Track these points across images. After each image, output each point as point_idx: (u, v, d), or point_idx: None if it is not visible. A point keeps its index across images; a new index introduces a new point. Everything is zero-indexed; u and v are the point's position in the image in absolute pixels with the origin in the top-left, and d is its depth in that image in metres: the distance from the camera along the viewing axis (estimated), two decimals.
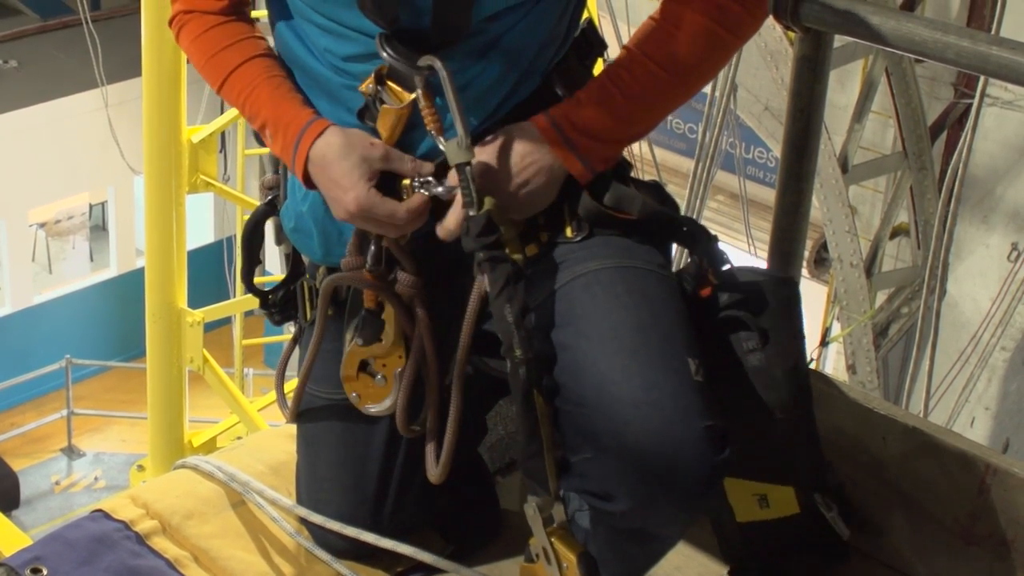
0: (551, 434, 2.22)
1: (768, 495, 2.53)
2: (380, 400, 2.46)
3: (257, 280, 2.74)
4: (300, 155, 2.30)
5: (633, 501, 2.19)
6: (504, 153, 2.25)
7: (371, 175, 2.25)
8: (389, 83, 2.26)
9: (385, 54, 2.22)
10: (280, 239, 2.60)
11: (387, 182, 2.27)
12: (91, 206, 17.01)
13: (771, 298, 2.39)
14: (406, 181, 2.27)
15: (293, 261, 2.64)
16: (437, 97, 2.23)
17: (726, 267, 2.38)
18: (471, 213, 2.20)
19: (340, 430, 2.59)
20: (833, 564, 2.64)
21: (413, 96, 2.24)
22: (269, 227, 2.66)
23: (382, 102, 2.27)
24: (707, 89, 8.49)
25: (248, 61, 2.41)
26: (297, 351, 2.67)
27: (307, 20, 2.34)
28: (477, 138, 2.26)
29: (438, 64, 2.18)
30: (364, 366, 2.45)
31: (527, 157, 2.26)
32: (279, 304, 2.67)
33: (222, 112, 11.11)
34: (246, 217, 12.11)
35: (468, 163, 2.19)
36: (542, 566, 2.35)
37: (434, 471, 2.39)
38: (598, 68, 2.40)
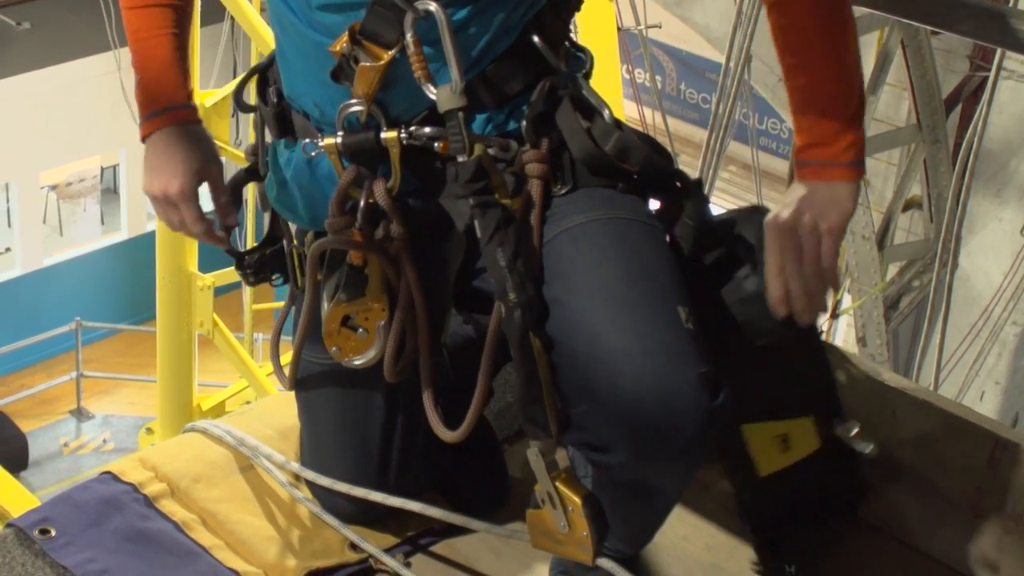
0: (549, 377, 2.22)
1: (789, 434, 2.53)
2: (363, 351, 2.44)
3: None
4: (159, 121, 2.50)
5: (629, 451, 2.20)
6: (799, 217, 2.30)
7: (201, 178, 2.49)
8: (364, 42, 2.25)
9: None
10: (266, 205, 2.60)
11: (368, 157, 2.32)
12: (102, 169, 17.00)
13: (748, 228, 2.39)
14: (391, 134, 2.28)
15: (271, 225, 2.64)
16: (425, 46, 2.23)
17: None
18: (460, 159, 2.23)
19: (339, 395, 2.58)
20: (852, 508, 2.66)
21: (392, 52, 2.23)
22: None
23: (357, 61, 2.26)
24: (721, 59, 8.46)
25: (159, 7, 2.50)
26: (291, 319, 2.67)
27: None
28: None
29: (434, 6, 2.18)
30: (345, 320, 2.44)
31: (810, 207, 2.29)
32: (254, 266, 2.67)
33: (234, 76, 11.09)
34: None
35: (460, 109, 2.22)
36: (548, 511, 2.35)
37: (442, 429, 2.39)
38: (587, 26, 2.41)
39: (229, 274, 7.93)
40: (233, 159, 7.66)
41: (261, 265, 2.66)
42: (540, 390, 2.23)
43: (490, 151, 2.28)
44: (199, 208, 2.48)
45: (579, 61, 2.42)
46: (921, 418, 2.68)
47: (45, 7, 14.34)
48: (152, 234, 7.18)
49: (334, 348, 2.45)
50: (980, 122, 7.82)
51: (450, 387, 2.51)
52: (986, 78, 8.25)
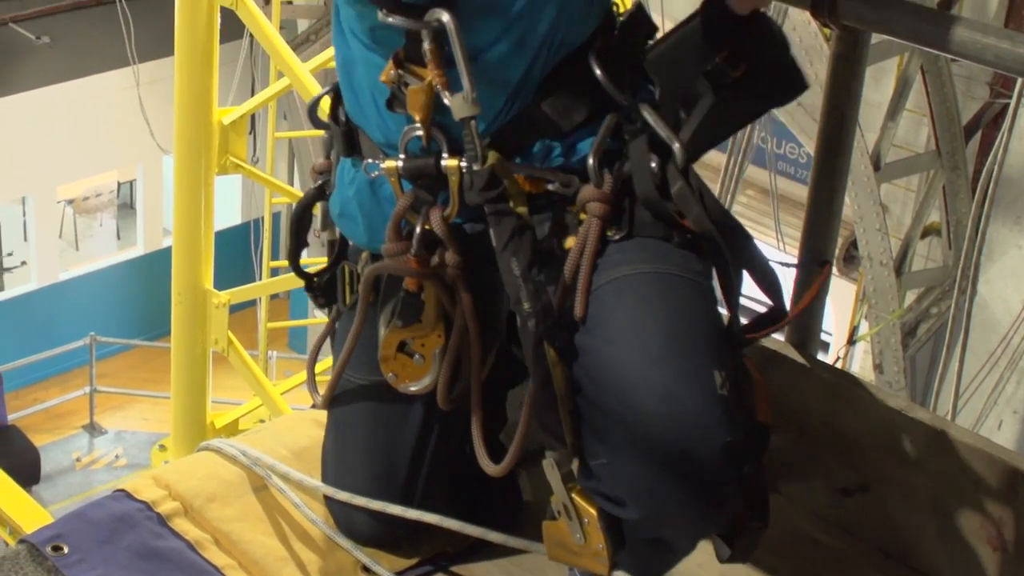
0: (564, 385, 2.21)
1: None
2: (419, 378, 2.45)
3: (283, 262, 2.75)
4: None
5: (644, 511, 2.19)
6: None
7: None
8: (410, 66, 2.26)
9: (391, 19, 2.20)
10: (325, 224, 2.62)
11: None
12: (119, 184, 17.10)
13: None
14: (452, 162, 2.28)
15: (340, 245, 2.64)
16: (449, 68, 2.22)
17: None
18: (475, 167, 2.24)
19: (372, 416, 2.58)
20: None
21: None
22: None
23: (407, 85, 2.27)
24: None
25: None
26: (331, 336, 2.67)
27: None
28: (509, 125, 2.27)
29: (445, 17, 2.17)
30: (401, 347, 2.44)
31: None
32: (323, 287, 2.68)
33: (252, 94, 11.11)
34: (274, 200, 12.12)
35: (473, 118, 2.22)
36: (564, 522, 2.34)
37: (487, 462, 2.38)
38: None
39: (244, 292, 7.96)
40: (249, 176, 7.67)
41: (330, 286, 2.67)
42: (554, 398, 2.22)
43: (550, 187, 2.28)
44: None
45: (647, 91, 2.37)
46: (938, 448, 2.66)
47: (65, 21, 14.43)
48: (168, 250, 7.18)
49: (391, 374, 2.46)
50: (1000, 149, 7.82)
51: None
52: (1007, 105, 8.24)
